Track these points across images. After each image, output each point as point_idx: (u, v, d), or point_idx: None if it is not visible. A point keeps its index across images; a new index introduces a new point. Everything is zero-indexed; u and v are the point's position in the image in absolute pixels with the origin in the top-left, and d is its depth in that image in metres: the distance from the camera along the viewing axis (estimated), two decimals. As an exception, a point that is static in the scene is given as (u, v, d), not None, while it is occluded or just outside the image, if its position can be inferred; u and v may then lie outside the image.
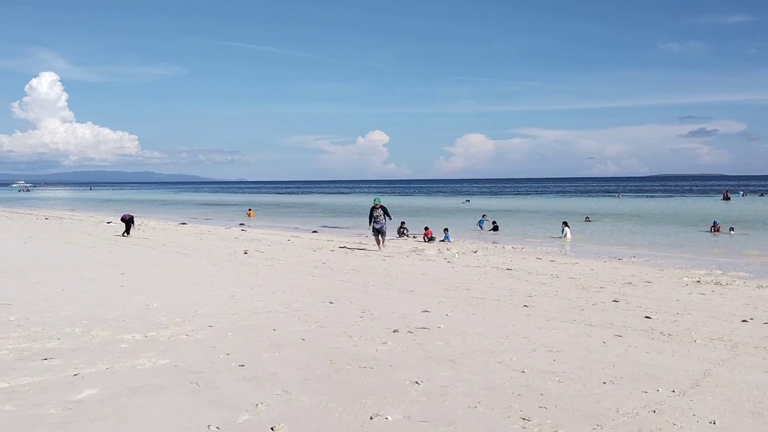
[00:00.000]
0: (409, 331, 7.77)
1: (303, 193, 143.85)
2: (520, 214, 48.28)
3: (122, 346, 6.80)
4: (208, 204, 77.74)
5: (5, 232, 24.50)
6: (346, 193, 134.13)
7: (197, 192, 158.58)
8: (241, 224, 37.10)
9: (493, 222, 31.17)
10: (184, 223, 35.55)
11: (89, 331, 7.41)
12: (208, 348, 6.77)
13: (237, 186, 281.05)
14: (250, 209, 50.54)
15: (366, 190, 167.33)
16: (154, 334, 7.38)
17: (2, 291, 10.26)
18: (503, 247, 22.13)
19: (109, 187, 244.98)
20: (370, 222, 20.32)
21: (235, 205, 73.18)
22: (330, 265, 15.44)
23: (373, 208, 20.18)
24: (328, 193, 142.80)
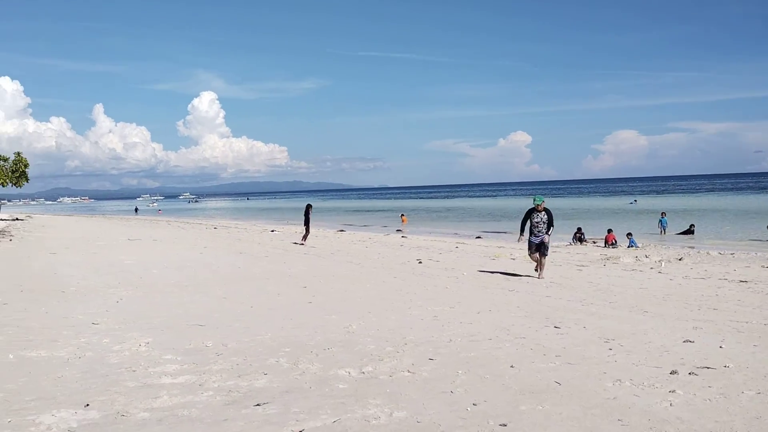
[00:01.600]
0: (691, 373, 5.91)
1: (445, 197, 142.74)
2: (703, 213, 43.55)
3: (341, 386, 5.57)
4: (357, 210, 78.70)
5: (181, 242, 25.21)
6: (491, 197, 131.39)
7: (344, 199, 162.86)
8: (398, 230, 36.34)
9: (691, 225, 27.90)
10: (342, 230, 35.37)
11: (297, 364, 6.30)
12: (444, 393, 5.36)
13: (380, 192, 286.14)
14: (402, 215, 49.89)
15: (510, 192, 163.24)
16: (371, 369, 6.12)
17: (191, 308, 9.62)
18: (708, 253, 19.21)
19: (263, 197, 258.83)
20: (522, 229, 13.91)
21: (384, 211, 73.38)
22: (522, 277, 13.74)
23: (532, 211, 13.60)
24: (471, 196, 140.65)
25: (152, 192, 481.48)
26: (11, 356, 6.45)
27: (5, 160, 48.85)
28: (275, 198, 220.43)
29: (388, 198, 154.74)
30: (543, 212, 13.46)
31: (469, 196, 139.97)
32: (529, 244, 13.58)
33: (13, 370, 5.98)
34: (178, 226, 40.28)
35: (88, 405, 4.99)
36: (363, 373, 6.00)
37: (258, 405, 5.06)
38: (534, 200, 13.59)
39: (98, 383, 5.62)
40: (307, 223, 24.09)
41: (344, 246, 23.30)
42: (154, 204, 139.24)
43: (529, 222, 13.64)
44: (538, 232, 13.36)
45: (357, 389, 5.48)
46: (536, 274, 13.53)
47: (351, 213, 71.00)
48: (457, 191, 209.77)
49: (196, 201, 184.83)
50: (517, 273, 14.38)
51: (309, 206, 24.82)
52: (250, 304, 9.98)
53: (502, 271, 14.84)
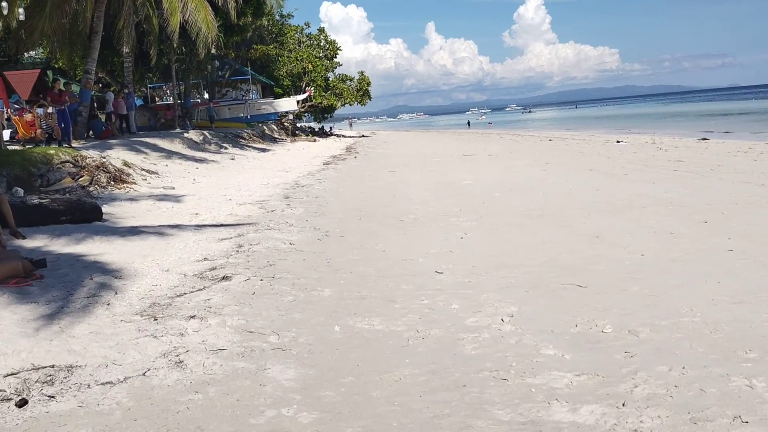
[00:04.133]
0: None
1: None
2: None
3: None
4: (709, 115, 67.70)
5: (518, 157, 23.09)
6: None
7: (687, 102, 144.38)
8: (781, 137, 29.01)
9: None
10: (705, 138, 29.53)
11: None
12: None
13: (729, 93, 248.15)
14: (780, 118, 40.50)
15: None
16: None
17: (556, 253, 7.16)
18: None
19: (592, 105, 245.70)
20: None
21: (745, 114, 61.69)
22: None
23: None
24: None
25: (479, 105, 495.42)
26: (337, 328, 4.76)
27: (351, 79, 52.46)
28: (606, 105, 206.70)
29: (742, 99, 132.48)
30: None
31: None
32: None
33: (338, 357, 4.22)
34: (510, 139, 38.48)
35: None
36: None
37: None
38: None
39: (452, 404, 3.49)
40: None
41: (721, 159, 18.54)
42: (483, 117, 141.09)
43: None
44: None
45: None
46: None
47: (703, 117, 61.09)
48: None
49: (529, 112, 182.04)
50: None
51: None
52: (639, 249, 7.11)
53: None
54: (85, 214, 9.02)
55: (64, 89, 17.55)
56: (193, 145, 23.26)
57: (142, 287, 5.79)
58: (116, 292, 5.59)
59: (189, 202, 11.84)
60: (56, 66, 34.45)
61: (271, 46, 43.81)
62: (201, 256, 7.10)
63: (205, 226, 9.17)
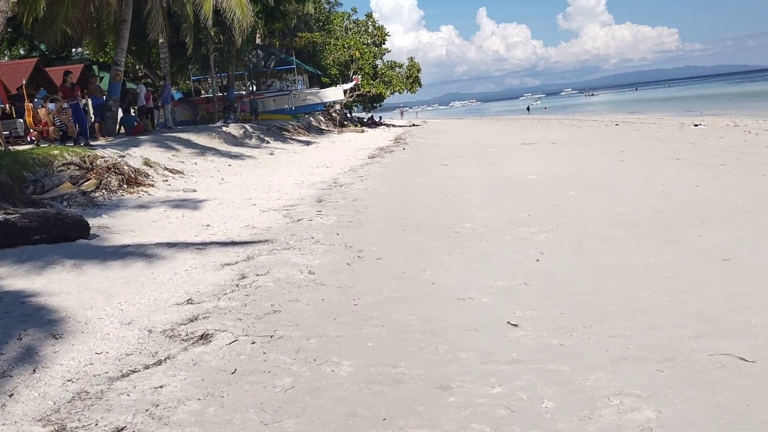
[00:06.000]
0: None
1: None
2: None
3: None
4: (787, 93, 62.60)
5: (586, 144, 20.64)
6: None
7: (754, 82, 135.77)
8: None
9: None
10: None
11: None
12: None
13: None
14: None
15: None
16: None
17: (677, 288, 5.02)
18: None
19: (652, 86, 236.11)
20: None
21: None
22: None
23: None
24: None
25: (533, 90, 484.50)
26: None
27: (400, 66, 50.17)
28: (667, 87, 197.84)
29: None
30: None
31: None
32: None
33: None
34: (572, 125, 35.69)
35: None
36: None
37: None
38: None
39: None
40: None
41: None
42: (538, 102, 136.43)
43: None
44: None
45: None
46: None
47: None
48: None
49: (592, 95, 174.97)
50: None
51: None
52: (803, 284, 4.92)
53: None
54: (65, 231, 7.33)
55: (75, 83, 16.07)
56: (231, 139, 21.70)
57: (79, 358, 3.98)
58: (35, 370, 3.80)
59: (206, 209, 10.11)
60: (100, 60, 33.59)
61: (317, 34, 42.04)
62: (186, 295, 5.27)
63: (211, 243, 7.38)
